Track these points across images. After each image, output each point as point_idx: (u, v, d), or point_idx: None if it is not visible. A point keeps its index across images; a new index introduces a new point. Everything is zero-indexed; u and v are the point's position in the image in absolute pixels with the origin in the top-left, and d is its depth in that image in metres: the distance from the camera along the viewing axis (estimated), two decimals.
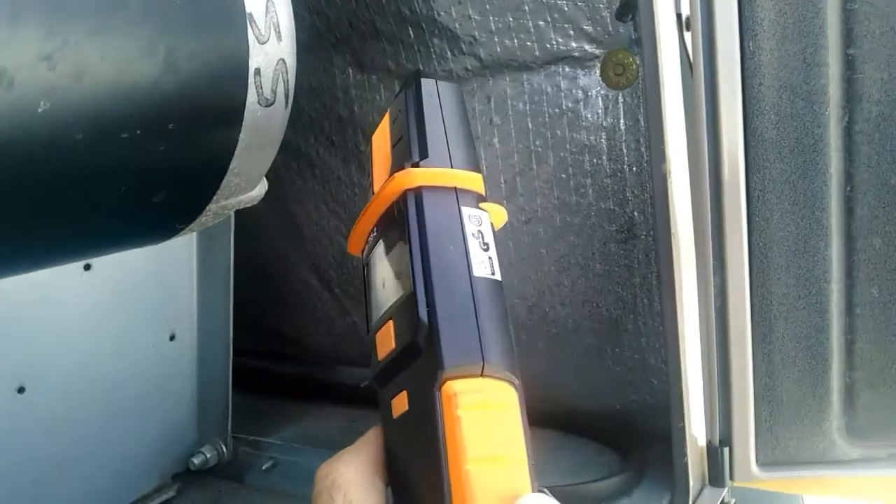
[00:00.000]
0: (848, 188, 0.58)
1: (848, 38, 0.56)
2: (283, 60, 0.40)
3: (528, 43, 0.71)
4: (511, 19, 0.71)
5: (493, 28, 0.72)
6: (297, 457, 0.78)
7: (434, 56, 0.75)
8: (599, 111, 0.71)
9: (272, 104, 0.40)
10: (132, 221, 0.40)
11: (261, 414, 0.85)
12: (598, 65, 0.70)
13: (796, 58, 0.56)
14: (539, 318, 0.78)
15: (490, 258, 0.32)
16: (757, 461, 0.62)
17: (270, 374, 0.95)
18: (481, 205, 0.34)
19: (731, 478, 0.63)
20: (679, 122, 0.60)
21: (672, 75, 0.59)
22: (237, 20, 0.37)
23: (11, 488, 0.61)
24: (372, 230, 0.36)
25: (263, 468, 0.77)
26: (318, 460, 0.32)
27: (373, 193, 0.35)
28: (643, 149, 0.70)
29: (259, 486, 0.75)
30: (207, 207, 0.42)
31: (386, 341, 0.32)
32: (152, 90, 0.34)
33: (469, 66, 0.74)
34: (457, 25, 0.73)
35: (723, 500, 0.63)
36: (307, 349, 0.95)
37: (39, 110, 0.30)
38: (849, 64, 0.56)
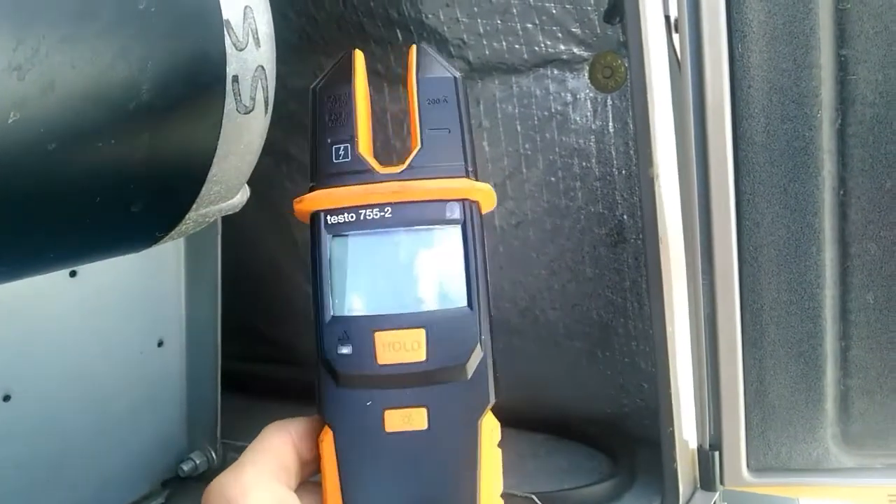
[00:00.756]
0: (841, 192, 0.58)
1: (841, 38, 0.55)
2: (262, 67, 0.40)
3: (517, 46, 0.71)
4: (499, 22, 0.70)
5: (482, 31, 0.71)
6: None
7: None
8: (588, 114, 0.70)
9: (251, 111, 0.40)
10: (110, 231, 0.39)
11: (251, 419, 0.84)
12: (587, 67, 0.69)
13: (787, 59, 0.56)
14: (529, 321, 0.77)
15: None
16: (748, 466, 0.62)
17: (260, 379, 0.94)
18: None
19: (722, 482, 0.62)
20: (667, 125, 0.60)
21: (660, 78, 0.58)
22: (214, 27, 0.36)
23: None
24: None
25: None
26: None
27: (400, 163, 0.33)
28: (632, 152, 0.69)
29: None
30: (187, 216, 0.41)
31: (402, 348, 0.29)
32: (126, 99, 0.34)
33: (458, 69, 0.74)
34: (445, 28, 0.73)
35: None
36: (298, 353, 0.94)
37: (9, 121, 0.30)
38: (842, 65, 0.56)
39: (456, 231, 0.31)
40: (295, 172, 0.88)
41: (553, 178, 0.73)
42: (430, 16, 0.73)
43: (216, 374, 0.74)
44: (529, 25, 0.70)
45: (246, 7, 0.38)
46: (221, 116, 0.38)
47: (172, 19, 0.35)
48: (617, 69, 0.68)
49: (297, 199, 0.32)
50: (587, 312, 0.75)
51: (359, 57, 0.34)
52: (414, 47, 0.35)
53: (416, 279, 0.30)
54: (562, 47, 0.70)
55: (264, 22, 0.40)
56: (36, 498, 0.63)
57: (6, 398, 0.60)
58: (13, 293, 0.60)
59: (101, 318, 0.67)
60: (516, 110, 0.73)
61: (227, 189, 0.42)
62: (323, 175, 0.32)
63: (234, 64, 0.38)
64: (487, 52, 0.72)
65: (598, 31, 0.68)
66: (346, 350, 0.29)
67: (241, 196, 0.45)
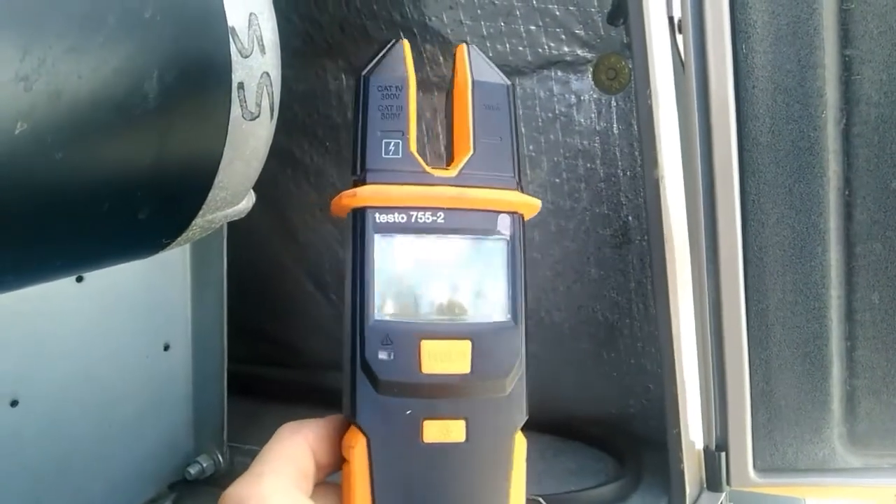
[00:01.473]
0: (846, 192, 0.57)
1: (845, 38, 0.55)
2: (268, 74, 0.40)
3: (520, 48, 0.71)
4: (502, 24, 0.70)
5: (485, 33, 0.71)
6: None
7: (426, 61, 0.74)
8: (592, 115, 0.70)
9: (257, 118, 0.40)
10: (117, 238, 0.39)
11: (257, 422, 0.85)
12: (591, 69, 0.69)
13: (791, 60, 0.56)
14: (535, 323, 0.77)
15: None
16: (755, 467, 0.62)
17: (267, 382, 0.95)
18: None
19: (728, 483, 0.62)
20: (672, 126, 0.60)
21: (664, 79, 0.58)
22: (219, 34, 0.37)
23: (6, 501, 0.61)
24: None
25: None
26: None
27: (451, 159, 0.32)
28: (637, 153, 0.69)
29: None
30: (193, 222, 0.41)
31: (447, 359, 0.29)
32: (133, 107, 0.34)
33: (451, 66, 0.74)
34: (448, 31, 0.73)
35: None
36: (303, 356, 0.94)
37: (17, 132, 0.30)
38: (846, 65, 0.56)
39: (504, 243, 0.30)
40: (299, 175, 0.88)
41: (557, 180, 0.73)
42: (433, 18, 0.73)
43: (222, 378, 0.75)
44: (533, 27, 0.70)
45: (251, 14, 0.38)
46: (227, 123, 0.38)
47: (177, 27, 0.35)
48: (621, 70, 0.68)
49: (349, 191, 0.30)
50: (592, 314, 0.75)
51: (408, 48, 0.33)
52: (464, 47, 0.33)
53: (464, 289, 0.30)
54: (565, 49, 0.70)
55: (269, 29, 0.40)
56: (43, 501, 0.63)
57: (14, 403, 0.60)
58: (20, 298, 0.60)
59: (107, 323, 0.67)
60: (520, 112, 0.73)
61: (233, 195, 0.42)
62: (371, 170, 0.30)
63: (240, 71, 0.38)
64: (491, 55, 0.72)
65: (602, 33, 0.68)
66: (388, 356, 0.29)
67: (247, 202, 0.46)
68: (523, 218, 0.31)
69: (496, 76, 0.33)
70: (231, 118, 0.38)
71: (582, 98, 0.71)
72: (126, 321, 0.69)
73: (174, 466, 0.76)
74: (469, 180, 0.30)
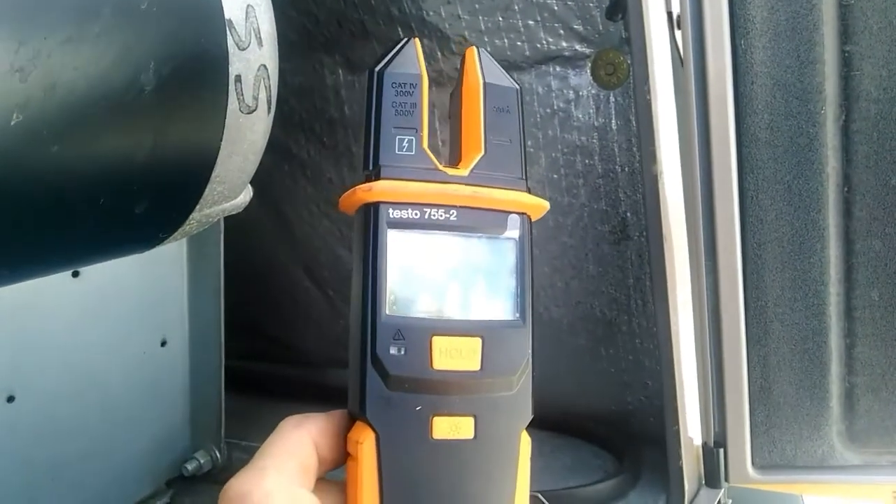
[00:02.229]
0: (845, 189, 0.57)
1: (844, 34, 0.55)
2: (265, 66, 0.39)
3: (519, 43, 0.70)
4: (501, 19, 0.70)
5: (483, 28, 0.71)
6: None
7: (424, 56, 0.74)
8: (591, 111, 0.70)
9: (254, 111, 0.39)
10: (113, 232, 0.39)
11: (254, 418, 0.85)
12: (589, 64, 0.69)
13: (790, 55, 0.56)
14: (532, 319, 0.77)
15: None
16: (753, 463, 0.62)
17: (264, 378, 0.94)
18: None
19: (727, 479, 0.62)
20: (670, 122, 0.59)
21: (663, 74, 0.58)
22: (216, 26, 0.36)
23: (3, 498, 0.60)
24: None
25: None
26: None
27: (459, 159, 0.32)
28: (635, 149, 0.69)
29: None
30: (191, 216, 0.41)
31: (458, 355, 0.29)
32: (129, 100, 0.33)
33: (459, 67, 0.74)
34: (446, 25, 0.72)
35: (719, 502, 0.63)
36: (300, 352, 0.94)
37: (12, 123, 0.30)
38: (846, 61, 0.56)
39: (514, 243, 0.31)
40: (296, 170, 0.88)
41: (556, 176, 0.73)
42: (431, 13, 0.72)
43: (220, 374, 0.74)
44: (531, 22, 0.69)
45: (248, 6, 0.38)
46: (224, 116, 0.38)
47: (174, 19, 0.35)
48: (619, 66, 0.68)
49: (364, 185, 0.30)
50: (591, 310, 0.75)
51: (419, 46, 0.33)
52: (473, 49, 0.34)
53: (474, 286, 0.30)
54: (564, 44, 0.69)
55: (266, 21, 0.40)
56: (40, 498, 0.63)
57: (10, 399, 0.60)
58: (16, 294, 0.60)
59: (104, 319, 0.67)
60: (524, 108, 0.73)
61: (230, 189, 0.42)
62: (385, 165, 0.30)
63: (237, 64, 0.38)
64: (489, 49, 0.72)
65: (601, 28, 0.68)
66: (400, 351, 0.28)
67: (245, 196, 0.45)
68: (531, 219, 0.32)
69: (506, 79, 0.33)
70: (228, 111, 0.38)
71: (580, 93, 0.70)
72: (123, 317, 0.68)
73: (171, 463, 0.76)
74: (481, 180, 0.31)
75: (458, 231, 0.30)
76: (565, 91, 0.71)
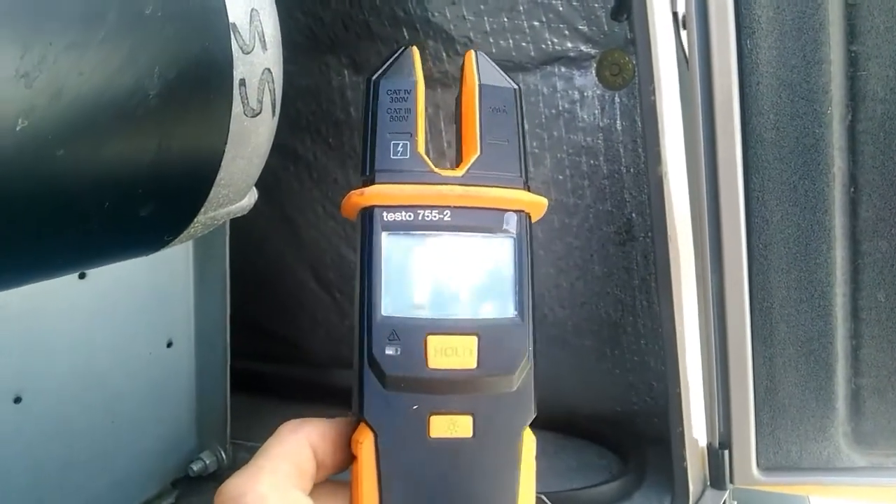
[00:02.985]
0: (852, 189, 0.57)
1: (851, 34, 0.55)
2: (269, 70, 0.40)
3: (524, 43, 0.70)
4: (506, 20, 0.70)
5: (488, 29, 0.71)
6: None
7: (429, 58, 0.74)
8: (596, 112, 0.70)
9: (259, 114, 0.40)
10: (119, 235, 0.39)
11: (260, 419, 0.85)
12: (594, 65, 0.69)
13: (796, 55, 0.55)
14: (537, 319, 0.77)
15: None
16: (758, 464, 0.61)
17: (269, 378, 0.95)
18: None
19: (732, 481, 0.62)
20: (676, 122, 0.59)
21: (668, 75, 0.58)
22: (220, 31, 0.36)
23: (10, 498, 0.61)
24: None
25: None
26: None
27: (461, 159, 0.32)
28: (640, 150, 0.69)
29: None
30: (196, 219, 0.41)
31: (454, 354, 0.29)
32: (134, 104, 0.34)
33: (459, 71, 0.74)
34: (451, 26, 0.72)
35: (724, 503, 0.63)
36: (306, 352, 0.94)
37: (18, 128, 0.30)
38: (852, 61, 0.55)
39: (511, 241, 0.31)
40: (302, 172, 0.88)
41: (561, 177, 0.73)
42: (436, 14, 0.72)
43: (225, 374, 0.75)
44: (536, 23, 0.69)
45: (252, 10, 0.38)
46: (229, 120, 0.38)
47: (178, 24, 0.35)
48: (624, 66, 0.68)
49: (357, 191, 0.31)
50: (596, 311, 0.75)
51: (417, 54, 0.34)
52: (472, 53, 0.34)
53: (470, 285, 0.30)
54: (569, 45, 0.69)
55: (271, 24, 0.40)
56: (46, 498, 0.63)
57: (17, 400, 0.60)
58: (23, 296, 0.60)
59: (110, 320, 0.67)
60: (524, 109, 0.73)
61: (235, 192, 0.42)
62: (379, 170, 0.31)
63: (241, 67, 0.38)
64: (494, 50, 0.72)
65: (606, 29, 0.68)
66: (395, 351, 0.29)
67: (249, 199, 0.45)
68: (530, 217, 0.32)
69: (503, 80, 0.34)
70: (233, 115, 0.38)
71: (585, 94, 0.70)
72: (129, 318, 0.69)
73: (177, 463, 0.76)
74: (475, 180, 0.31)
75: (452, 231, 0.30)
76: (570, 92, 0.71)
